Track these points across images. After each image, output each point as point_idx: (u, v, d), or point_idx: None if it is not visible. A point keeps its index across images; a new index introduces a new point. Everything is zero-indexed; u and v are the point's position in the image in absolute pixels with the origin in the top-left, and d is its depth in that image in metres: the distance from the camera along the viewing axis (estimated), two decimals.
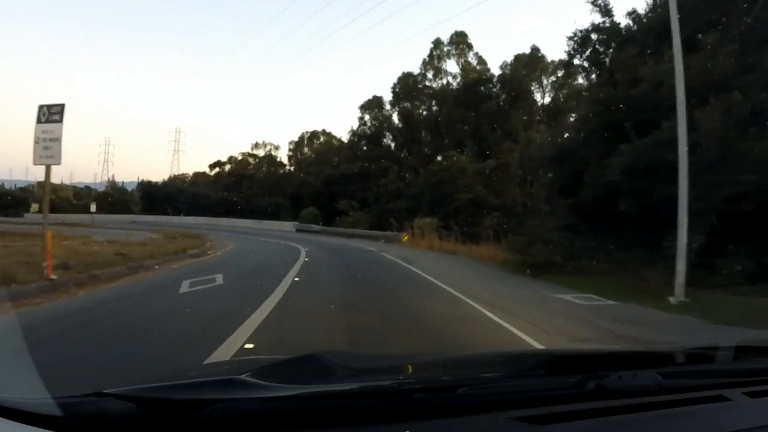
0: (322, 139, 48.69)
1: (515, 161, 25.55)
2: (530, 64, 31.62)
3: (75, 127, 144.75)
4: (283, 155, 50.61)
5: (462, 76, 34.64)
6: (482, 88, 32.02)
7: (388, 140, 38.74)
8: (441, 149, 32.10)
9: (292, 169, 47.56)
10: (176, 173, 61.34)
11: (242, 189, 44.06)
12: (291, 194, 38.99)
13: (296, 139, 49.80)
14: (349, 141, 40.90)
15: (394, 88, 36.88)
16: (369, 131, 39.34)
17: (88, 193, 62.41)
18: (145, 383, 0.95)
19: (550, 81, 31.90)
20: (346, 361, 1.40)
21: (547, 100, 32.36)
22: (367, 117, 39.09)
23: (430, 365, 1.52)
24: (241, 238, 23.13)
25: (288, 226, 32.47)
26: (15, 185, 71.26)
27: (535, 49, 31.97)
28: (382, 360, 1.65)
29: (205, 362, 3.43)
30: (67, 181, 79.74)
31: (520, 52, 33.10)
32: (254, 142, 52.00)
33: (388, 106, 38.35)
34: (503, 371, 1.31)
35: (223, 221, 37.33)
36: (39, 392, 1.81)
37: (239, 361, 2.83)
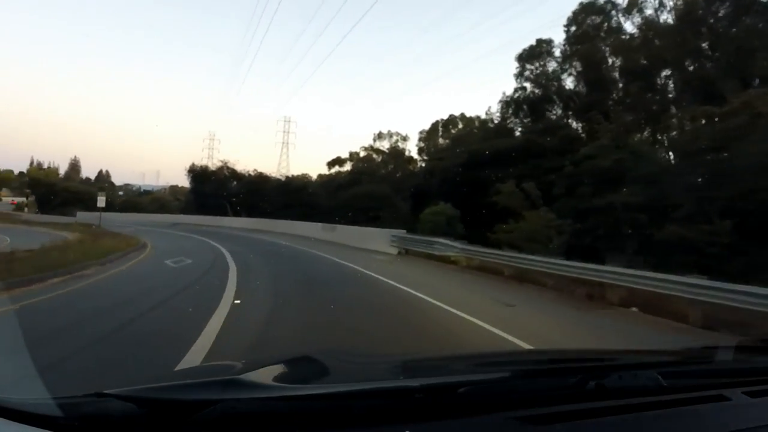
0: (460, 125, 38.13)
1: None
2: None
3: (181, 126, 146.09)
4: (412, 148, 40.87)
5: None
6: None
7: (557, 108, 26.00)
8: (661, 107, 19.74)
9: (423, 164, 35.34)
10: (284, 169, 52.02)
11: (353, 189, 32.43)
12: (414, 191, 27.05)
13: (428, 127, 39.88)
14: (501, 111, 28.62)
15: (568, 25, 24.51)
16: (533, 92, 26.46)
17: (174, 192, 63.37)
18: (145, 383, 0.95)
19: None
20: (346, 361, 1.40)
21: None
22: (528, 71, 26.74)
23: (430, 365, 1.52)
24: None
25: (381, 237, 16.70)
26: (140, 188, 77.77)
27: None
28: (382, 360, 1.65)
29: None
30: (152, 181, 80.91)
31: None
32: (377, 132, 41.38)
33: (558, 54, 25.78)
34: (503, 371, 1.31)
35: (280, 224, 27.23)
36: (39, 392, 1.81)
37: (239, 361, 2.83)
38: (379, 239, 16.61)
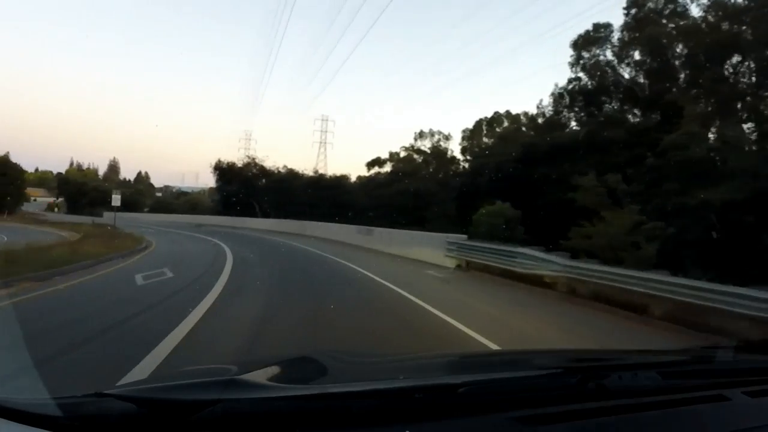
0: (505, 123, 35.89)
1: None
2: None
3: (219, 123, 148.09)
4: (455, 147, 38.17)
5: None
6: None
7: (615, 99, 23.38)
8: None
9: (466, 165, 33.07)
10: (322, 170, 47.18)
11: (394, 186, 30.25)
12: (461, 191, 24.19)
13: (471, 126, 37.09)
14: (554, 104, 25.71)
15: (628, 7, 21.84)
16: (590, 82, 23.59)
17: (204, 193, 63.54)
18: (145, 384, 0.95)
19: None
20: (346, 361, 1.40)
21: None
22: (584, 59, 23.59)
23: (430, 365, 1.52)
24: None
25: (432, 244, 13.58)
26: (179, 190, 78.78)
27: None
28: (382, 360, 1.65)
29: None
30: (192, 183, 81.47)
31: None
32: (418, 131, 38.75)
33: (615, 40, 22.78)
34: (503, 371, 1.31)
35: (310, 226, 24.69)
36: (39, 393, 1.82)
37: (239, 361, 2.84)
38: (428, 246, 13.25)
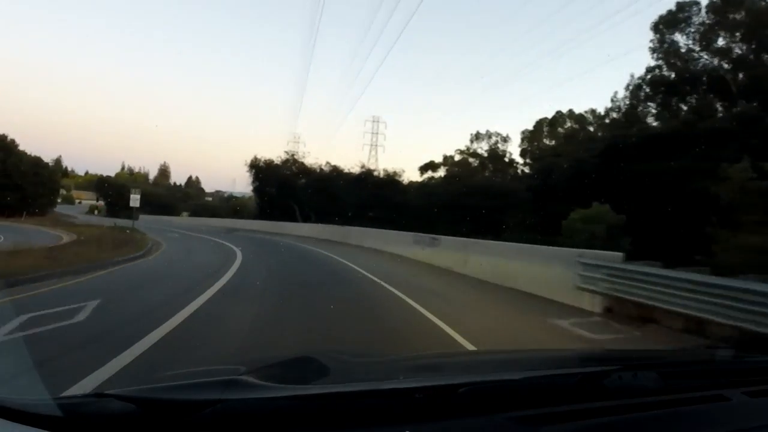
0: (568, 123, 33.20)
1: None
2: None
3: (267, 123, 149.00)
4: (513, 150, 35.75)
5: None
6: None
7: (703, 88, 20.16)
8: None
9: (525, 168, 30.74)
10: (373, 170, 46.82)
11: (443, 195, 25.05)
12: (535, 194, 20.90)
13: (531, 128, 34.47)
14: (630, 97, 22.90)
15: None
16: (677, 66, 20.63)
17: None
18: (146, 384, 0.96)
19: None
20: (346, 361, 1.40)
21: None
22: (667, 43, 20.44)
23: (430, 365, 1.52)
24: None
25: (549, 266, 7.97)
26: (231, 194, 77.40)
27: None
28: (382, 360, 1.65)
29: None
30: (243, 189, 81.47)
31: None
32: (473, 133, 36.20)
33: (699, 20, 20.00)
34: (503, 371, 1.31)
35: (356, 233, 20.78)
36: (39, 393, 1.82)
37: (239, 362, 2.85)
38: (541, 268, 8.19)
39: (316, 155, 79.42)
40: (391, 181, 31.32)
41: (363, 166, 33.81)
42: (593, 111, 31.16)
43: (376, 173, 32.88)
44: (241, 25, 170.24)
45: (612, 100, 25.94)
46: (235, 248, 15.86)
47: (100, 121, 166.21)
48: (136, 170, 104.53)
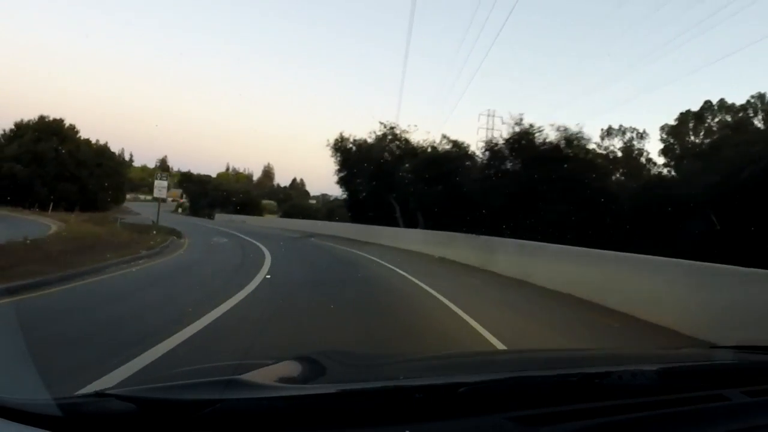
0: (720, 116, 27.22)
1: None
2: None
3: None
4: (651, 149, 29.66)
5: None
6: None
7: None
8: None
9: (669, 170, 24.72)
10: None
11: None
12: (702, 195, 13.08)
13: (673, 122, 28.16)
14: None
15: None
16: None
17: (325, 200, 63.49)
18: (146, 384, 0.95)
19: None
20: (345, 361, 1.40)
21: None
22: None
23: (430, 365, 1.52)
24: None
25: None
26: (337, 198, 77.77)
27: None
28: (382, 360, 1.65)
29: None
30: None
31: None
32: (604, 128, 29.77)
33: None
34: (503, 371, 1.31)
35: (501, 246, 11.87)
36: (39, 393, 1.82)
37: (239, 362, 2.85)
38: None
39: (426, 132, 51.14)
40: (561, 153, 16.47)
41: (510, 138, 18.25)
42: (761, 96, 24.83)
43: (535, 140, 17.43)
44: (345, 34, 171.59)
45: None
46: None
47: (204, 123, 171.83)
48: (242, 171, 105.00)
